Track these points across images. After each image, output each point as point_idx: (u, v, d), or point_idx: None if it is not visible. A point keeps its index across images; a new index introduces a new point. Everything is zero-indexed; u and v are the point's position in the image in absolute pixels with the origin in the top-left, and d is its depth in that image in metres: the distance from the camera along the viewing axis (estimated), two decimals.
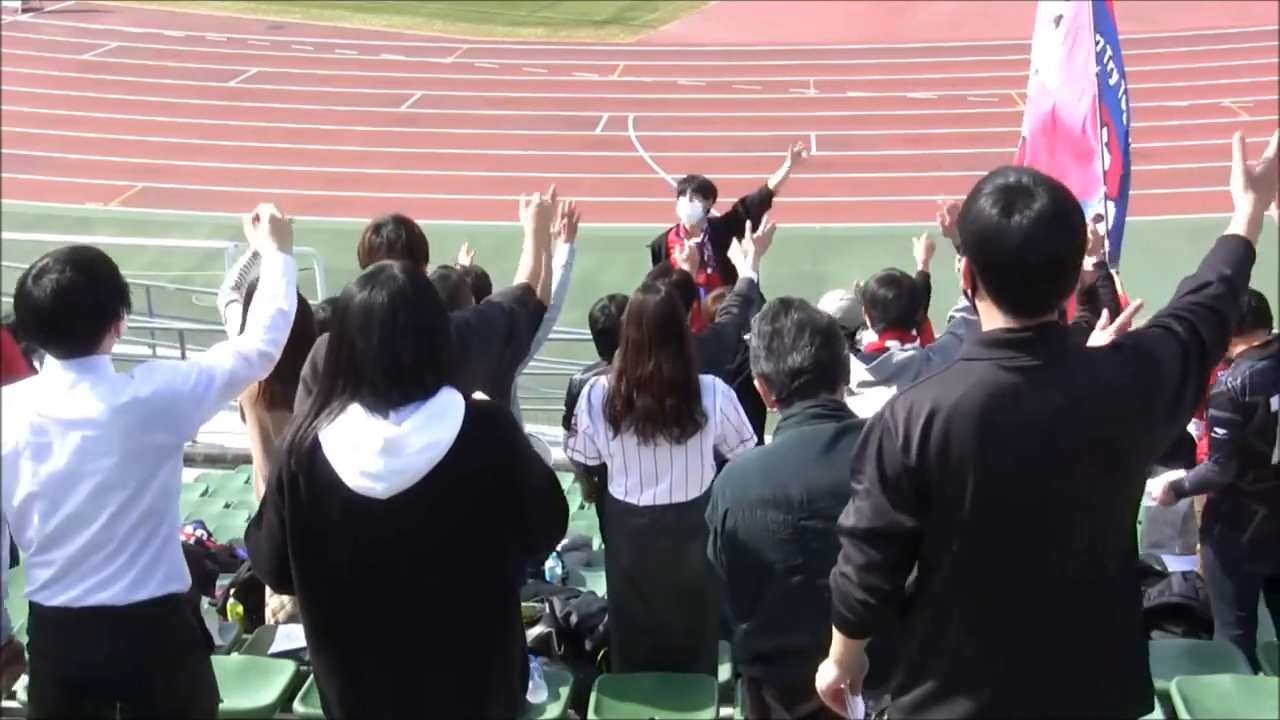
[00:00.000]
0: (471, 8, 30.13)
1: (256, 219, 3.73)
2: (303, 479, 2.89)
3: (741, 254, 5.88)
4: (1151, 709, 2.81)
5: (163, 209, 18.59)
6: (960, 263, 2.66)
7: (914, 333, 5.42)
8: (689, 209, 7.99)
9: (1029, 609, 2.62)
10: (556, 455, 7.86)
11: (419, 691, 2.97)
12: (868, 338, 5.38)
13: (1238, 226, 2.93)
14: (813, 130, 20.92)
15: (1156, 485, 5.45)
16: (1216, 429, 4.99)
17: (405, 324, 2.86)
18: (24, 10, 30.15)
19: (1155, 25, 24.81)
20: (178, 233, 16.90)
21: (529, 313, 4.76)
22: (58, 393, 3.24)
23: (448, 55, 26.82)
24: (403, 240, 4.38)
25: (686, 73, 24.98)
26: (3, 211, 15.04)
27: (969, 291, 2.67)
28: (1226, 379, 4.99)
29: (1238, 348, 5.07)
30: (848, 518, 2.71)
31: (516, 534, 3.01)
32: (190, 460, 10.70)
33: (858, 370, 4.91)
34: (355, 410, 2.86)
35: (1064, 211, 2.53)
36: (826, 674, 2.98)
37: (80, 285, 3.23)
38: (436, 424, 2.84)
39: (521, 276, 4.73)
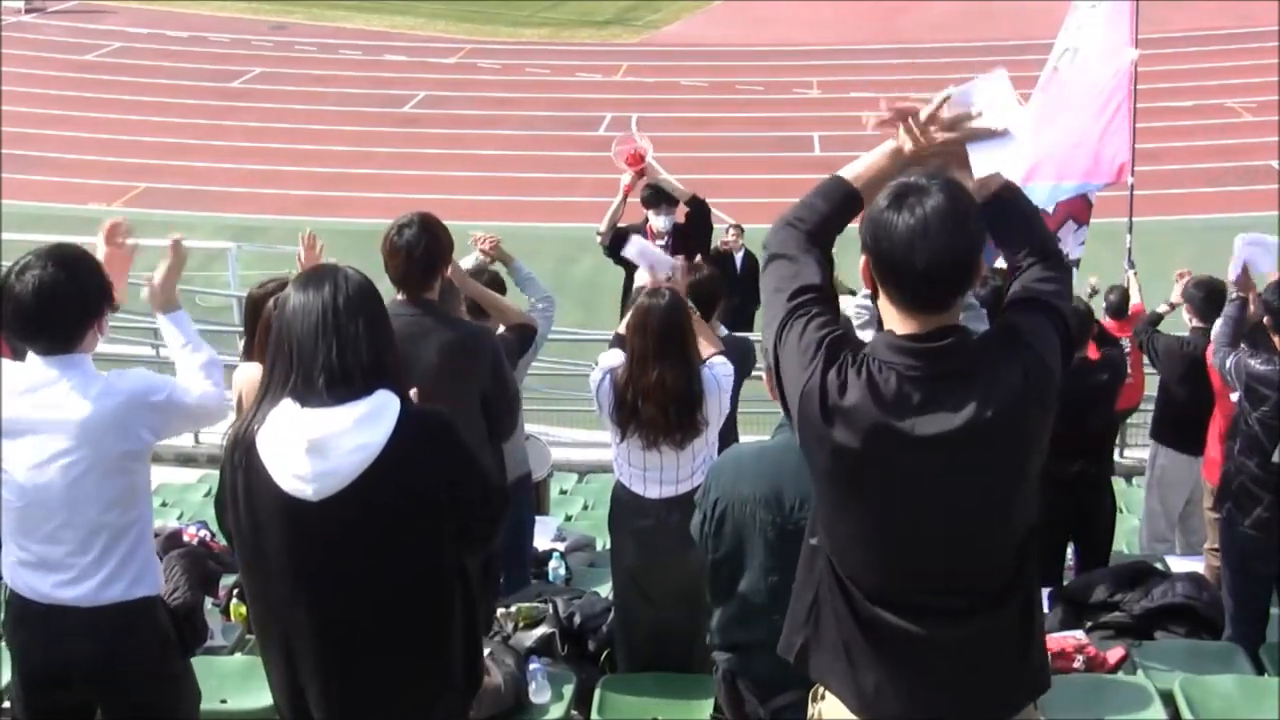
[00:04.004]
0: (474, 8, 30.14)
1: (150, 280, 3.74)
2: (241, 476, 2.89)
3: None
4: (1047, 687, 2.74)
5: (165, 209, 18.58)
6: (860, 260, 2.60)
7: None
8: (665, 222, 8.98)
9: (906, 605, 2.58)
10: (557, 455, 7.88)
11: (350, 690, 2.94)
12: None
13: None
14: (815, 131, 20.97)
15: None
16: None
17: (341, 324, 2.83)
18: (27, 10, 30.18)
19: (1159, 25, 24.74)
20: (180, 233, 16.89)
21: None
22: (35, 386, 3.26)
23: (450, 56, 26.84)
24: (422, 247, 4.45)
25: (689, 73, 24.98)
26: (4, 211, 15.06)
27: (870, 292, 2.62)
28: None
29: None
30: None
31: (453, 537, 2.98)
32: (192, 461, 10.69)
33: None
34: (287, 406, 2.83)
35: (957, 211, 2.48)
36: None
37: (63, 283, 3.24)
38: (367, 426, 2.80)
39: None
